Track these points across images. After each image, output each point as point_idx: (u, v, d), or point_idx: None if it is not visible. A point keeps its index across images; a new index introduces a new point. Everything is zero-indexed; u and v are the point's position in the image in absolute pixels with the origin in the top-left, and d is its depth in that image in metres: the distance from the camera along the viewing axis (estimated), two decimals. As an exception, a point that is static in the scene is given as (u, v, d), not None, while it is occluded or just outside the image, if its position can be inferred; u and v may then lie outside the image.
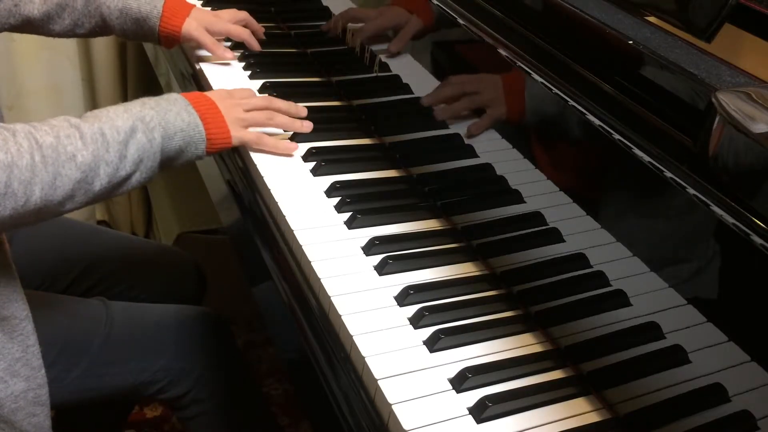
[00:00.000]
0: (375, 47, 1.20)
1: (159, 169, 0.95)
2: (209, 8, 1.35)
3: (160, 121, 0.93)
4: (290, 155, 1.07)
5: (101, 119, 0.90)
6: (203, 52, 1.29)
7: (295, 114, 1.10)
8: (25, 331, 0.93)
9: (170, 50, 1.42)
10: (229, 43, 1.33)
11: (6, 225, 0.83)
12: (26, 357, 0.93)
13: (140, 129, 0.91)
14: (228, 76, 1.26)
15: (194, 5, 1.26)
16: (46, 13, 1.18)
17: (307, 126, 1.09)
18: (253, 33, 1.31)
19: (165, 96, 0.99)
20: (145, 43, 1.61)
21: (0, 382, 0.91)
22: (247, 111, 1.04)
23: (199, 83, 1.28)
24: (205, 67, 1.26)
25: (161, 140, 0.93)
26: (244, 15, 1.31)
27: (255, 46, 1.30)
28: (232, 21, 1.29)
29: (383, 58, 1.18)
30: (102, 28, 1.23)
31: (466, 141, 1.00)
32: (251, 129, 1.05)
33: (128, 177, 0.91)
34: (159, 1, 1.21)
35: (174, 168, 1.00)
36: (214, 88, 1.21)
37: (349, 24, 1.26)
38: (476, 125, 0.98)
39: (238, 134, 1.02)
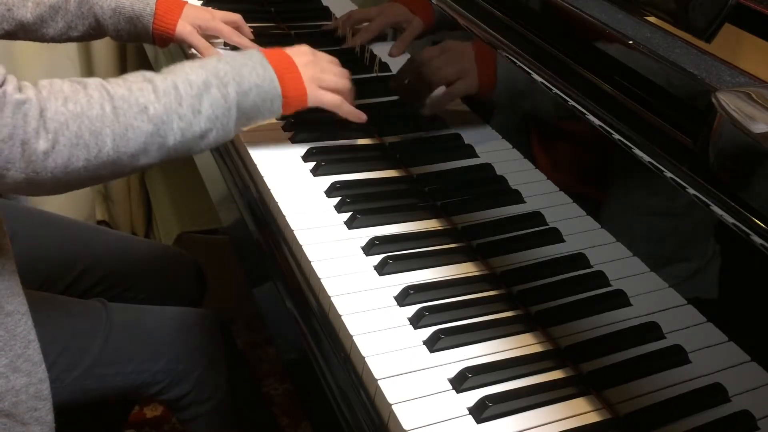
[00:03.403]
0: (375, 47, 1.20)
1: (235, 127, 0.94)
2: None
3: (234, 75, 0.92)
4: (363, 120, 1.06)
5: (176, 73, 0.90)
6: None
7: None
8: (26, 327, 0.93)
9: (170, 50, 1.42)
10: (228, 46, 1.33)
11: (82, 177, 0.84)
12: (27, 353, 0.93)
13: (214, 84, 0.90)
14: (228, 76, 1.25)
15: (186, 2, 1.26)
16: (39, 17, 1.18)
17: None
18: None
19: (242, 51, 0.98)
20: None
21: (1, 378, 0.91)
22: (325, 73, 1.03)
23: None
24: (205, 67, 1.26)
25: (236, 96, 0.92)
26: (237, 17, 1.31)
27: (249, 45, 1.30)
28: (225, 21, 1.29)
29: (383, 58, 1.18)
30: (96, 29, 1.23)
31: (466, 141, 1.00)
32: None
33: (204, 134, 0.90)
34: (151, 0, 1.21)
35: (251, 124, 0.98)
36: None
37: (354, 26, 1.26)
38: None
39: (315, 94, 1.00)
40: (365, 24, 1.23)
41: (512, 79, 0.92)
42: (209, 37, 1.29)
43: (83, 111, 0.81)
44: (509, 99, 0.94)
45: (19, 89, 0.79)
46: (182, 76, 0.89)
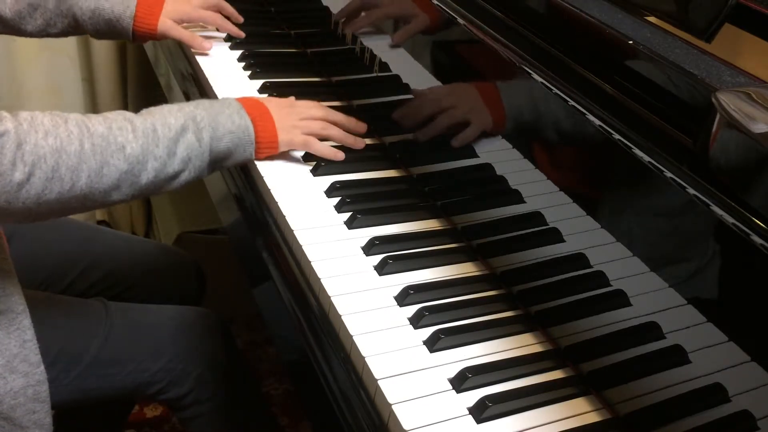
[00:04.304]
0: (375, 47, 1.20)
1: (208, 169, 0.97)
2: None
3: (210, 121, 0.95)
4: (340, 159, 1.05)
5: (155, 115, 0.92)
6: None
7: (354, 129, 1.09)
8: (22, 326, 0.93)
9: (171, 51, 1.42)
10: (224, 34, 1.35)
11: (53, 209, 0.85)
12: (24, 352, 0.93)
13: (191, 128, 0.93)
14: (228, 76, 1.26)
15: None
16: (18, 13, 1.19)
17: (360, 143, 1.09)
18: (230, 18, 1.33)
19: (221, 99, 1.01)
20: (145, 43, 1.61)
21: (-1, 379, 0.92)
22: (303, 119, 1.05)
23: (199, 83, 1.29)
24: (205, 68, 1.26)
25: (210, 140, 0.95)
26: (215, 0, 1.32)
27: (233, 30, 1.31)
28: (204, 6, 1.30)
29: (383, 58, 1.18)
30: (74, 28, 1.24)
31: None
32: None
33: (176, 175, 0.92)
34: (131, 1, 1.21)
35: (223, 169, 1.02)
36: (213, 88, 1.21)
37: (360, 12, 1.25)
38: (461, 138, 0.99)
39: (286, 138, 1.03)
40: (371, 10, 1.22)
41: (512, 80, 0.92)
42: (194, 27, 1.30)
43: (62, 146, 0.82)
44: (510, 100, 0.94)
45: None
46: (161, 118, 0.92)
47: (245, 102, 1.01)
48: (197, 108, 0.96)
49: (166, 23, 1.23)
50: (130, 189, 0.89)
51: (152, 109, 0.94)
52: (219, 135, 0.95)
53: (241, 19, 1.35)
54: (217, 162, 0.98)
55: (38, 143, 0.81)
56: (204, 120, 0.95)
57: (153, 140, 0.89)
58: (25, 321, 0.94)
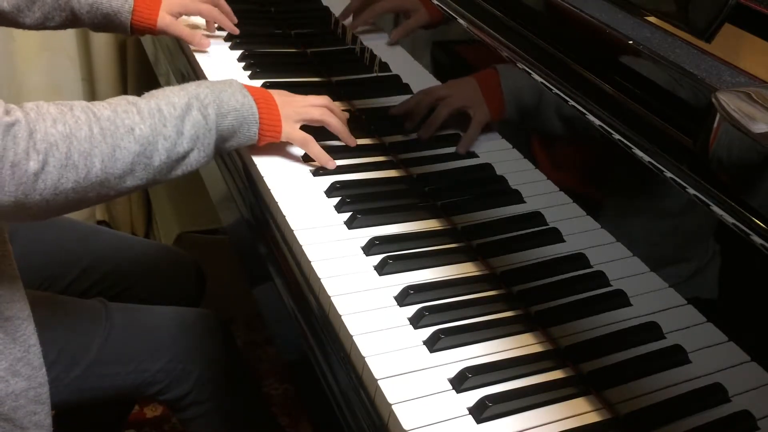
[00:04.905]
0: (375, 46, 1.20)
1: (215, 149, 0.96)
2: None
3: (214, 99, 0.95)
4: (331, 167, 1.06)
5: (158, 96, 0.92)
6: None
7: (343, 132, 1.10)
8: (27, 332, 0.93)
9: (170, 49, 1.43)
10: (224, 33, 1.35)
11: (70, 200, 0.84)
12: (27, 357, 0.93)
13: (195, 106, 0.93)
14: (228, 76, 1.25)
15: None
16: (16, 6, 1.19)
17: (352, 141, 1.10)
18: (226, 15, 1.34)
19: (222, 80, 1.01)
20: (145, 42, 1.62)
21: (1, 382, 0.91)
22: (304, 107, 1.06)
23: (199, 83, 1.28)
24: (205, 68, 1.26)
25: (215, 117, 0.94)
26: None
27: (228, 25, 1.32)
28: (204, 0, 1.30)
29: (383, 58, 1.18)
30: (72, 21, 1.24)
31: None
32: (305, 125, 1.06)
33: (186, 154, 0.92)
34: None
35: (227, 151, 1.02)
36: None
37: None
38: (464, 142, 0.99)
39: (288, 129, 1.03)
40: (373, 5, 1.22)
41: (513, 80, 0.92)
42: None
43: (72, 132, 0.82)
44: (510, 100, 0.94)
45: (7, 112, 0.79)
46: (165, 99, 0.92)
47: (248, 87, 1.01)
48: (199, 87, 0.96)
49: (165, 19, 1.24)
50: (144, 172, 0.89)
51: (153, 91, 0.94)
52: (224, 112, 0.96)
53: (235, 20, 1.36)
54: (221, 141, 0.97)
55: (48, 131, 0.81)
56: (208, 97, 0.95)
57: (160, 120, 0.89)
58: (30, 327, 0.94)
